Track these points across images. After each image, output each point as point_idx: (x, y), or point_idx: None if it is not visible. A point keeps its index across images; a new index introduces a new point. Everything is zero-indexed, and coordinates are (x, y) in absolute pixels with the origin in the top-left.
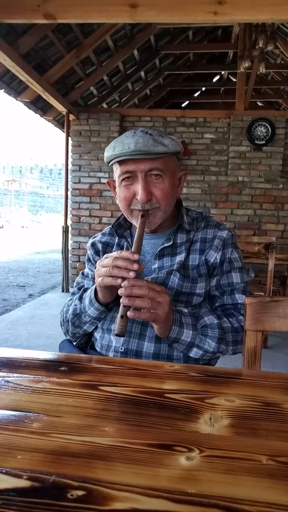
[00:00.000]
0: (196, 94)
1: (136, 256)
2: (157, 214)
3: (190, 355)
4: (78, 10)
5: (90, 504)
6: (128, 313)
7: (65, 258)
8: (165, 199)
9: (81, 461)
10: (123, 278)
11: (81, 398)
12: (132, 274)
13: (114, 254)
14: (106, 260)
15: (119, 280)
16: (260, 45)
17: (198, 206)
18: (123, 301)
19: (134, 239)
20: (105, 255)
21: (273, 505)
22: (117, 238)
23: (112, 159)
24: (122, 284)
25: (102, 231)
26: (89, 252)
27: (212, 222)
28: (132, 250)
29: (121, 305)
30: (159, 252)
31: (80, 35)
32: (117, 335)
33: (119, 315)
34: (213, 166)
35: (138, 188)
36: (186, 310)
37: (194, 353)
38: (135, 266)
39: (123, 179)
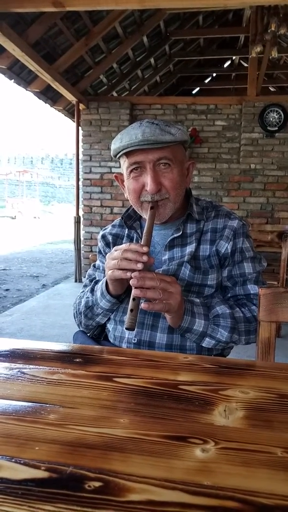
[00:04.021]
0: (207, 81)
1: (145, 249)
2: (167, 205)
3: (203, 345)
4: None
5: (107, 495)
6: (142, 305)
7: (78, 249)
8: (175, 189)
9: (97, 453)
10: (133, 271)
11: (96, 389)
12: (140, 265)
13: (124, 246)
14: (116, 252)
15: (128, 273)
16: (273, 29)
17: (210, 194)
18: (135, 292)
19: (144, 232)
20: (114, 248)
21: None
22: (127, 229)
23: (120, 151)
24: (133, 275)
25: (112, 223)
26: (100, 244)
27: (222, 211)
28: (142, 242)
29: (131, 299)
30: (169, 243)
31: (89, 23)
32: (127, 329)
33: (128, 309)
34: (225, 153)
35: (147, 179)
36: (198, 300)
37: (207, 343)
38: (144, 258)
39: (131, 171)
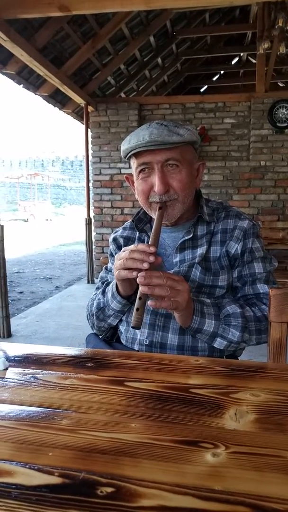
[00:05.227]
0: (214, 78)
1: (152, 249)
2: (176, 206)
3: (214, 345)
4: (93, 0)
5: (119, 501)
6: (149, 303)
7: (89, 250)
8: (183, 189)
9: (109, 458)
10: (139, 271)
11: (108, 394)
12: (146, 265)
13: (131, 247)
14: (123, 253)
15: (134, 273)
16: (280, 24)
17: (220, 193)
18: (142, 289)
19: (152, 232)
20: (123, 248)
21: None
22: (137, 232)
23: (129, 152)
24: (139, 274)
25: (123, 225)
26: (111, 247)
27: (232, 212)
28: (149, 243)
29: (137, 298)
30: (180, 245)
31: (96, 25)
32: (133, 327)
33: (134, 308)
34: (234, 151)
35: (155, 179)
36: (209, 301)
37: (218, 343)
38: (151, 258)
39: (140, 172)
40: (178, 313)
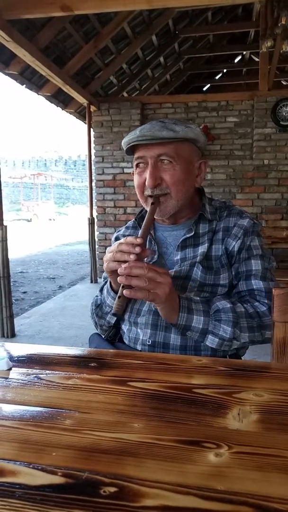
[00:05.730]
0: (217, 77)
1: (139, 240)
2: (169, 202)
3: (207, 343)
4: (95, 0)
5: (122, 501)
6: (124, 292)
7: (93, 250)
8: (175, 185)
9: (112, 458)
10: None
11: (111, 394)
12: (132, 256)
13: (121, 240)
14: (113, 246)
15: (123, 265)
16: (283, 22)
17: (223, 191)
18: (120, 279)
19: (142, 225)
20: (114, 242)
21: None
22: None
23: (125, 147)
24: (123, 265)
25: (126, 225)
26: None
27: (234, 210)
28: (139, 235)
29: (121, 286)
30: (181, 243)
31: (98, 25)
32: (113, 314)
33: (117, 296)
34: (238, 150)
35: (147, 173)
36: (198, 298)
37: (210, 340)
38: (137, 250)
39: (136, 166)
40: (158, 306)
